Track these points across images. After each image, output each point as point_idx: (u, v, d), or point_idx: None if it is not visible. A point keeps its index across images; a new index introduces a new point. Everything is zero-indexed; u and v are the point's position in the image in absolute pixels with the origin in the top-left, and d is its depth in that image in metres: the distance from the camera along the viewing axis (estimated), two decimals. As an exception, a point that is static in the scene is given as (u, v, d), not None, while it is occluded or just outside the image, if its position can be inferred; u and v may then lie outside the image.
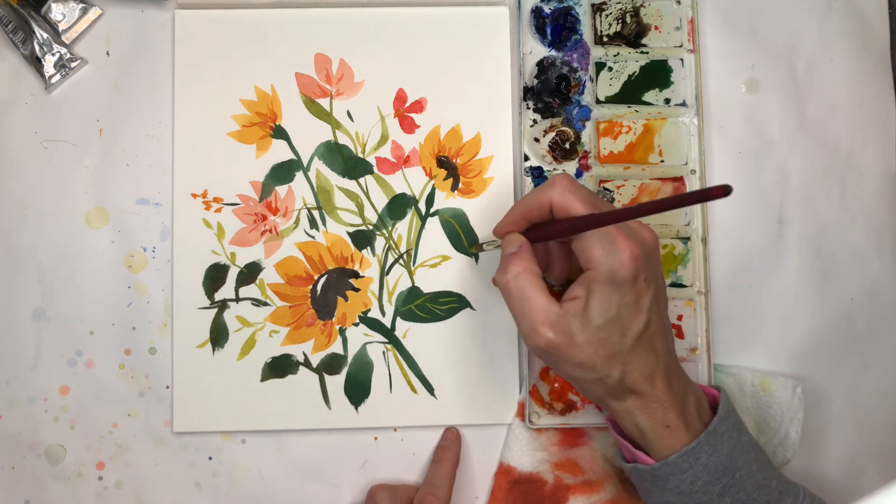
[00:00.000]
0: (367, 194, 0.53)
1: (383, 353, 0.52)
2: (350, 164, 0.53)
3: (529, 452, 0.52)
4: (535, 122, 0.53)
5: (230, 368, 0.51)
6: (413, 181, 0.53)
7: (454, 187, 0.53)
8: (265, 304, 0.52)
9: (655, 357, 0.43)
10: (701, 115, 0.53)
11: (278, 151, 0.53)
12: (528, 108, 0.53)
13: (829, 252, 0.54)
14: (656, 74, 0.54)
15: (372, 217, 0.53)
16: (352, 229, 0.53)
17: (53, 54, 0.52)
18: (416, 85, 0.53)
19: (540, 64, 0.54)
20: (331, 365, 0.52)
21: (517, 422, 0.52)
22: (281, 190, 0.52)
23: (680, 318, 0.53)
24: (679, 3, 0.54)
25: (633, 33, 0.54)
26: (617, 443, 0.47)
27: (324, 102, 0.53)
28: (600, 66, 0.54)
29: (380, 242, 0.53)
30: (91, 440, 0.51)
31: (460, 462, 0.52)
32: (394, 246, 0.53)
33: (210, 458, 0.52)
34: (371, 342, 0.52)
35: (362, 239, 0.53)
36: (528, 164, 0.53)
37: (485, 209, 0.53)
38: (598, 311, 0.41)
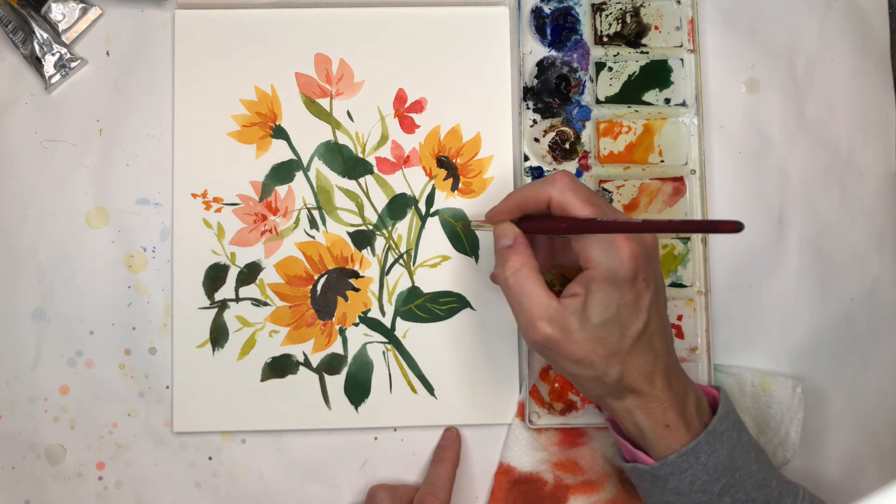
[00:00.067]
0: (367, 194, 0.53)
1: (383, 353, 0.52)
2: (350, 164, 0.53)
3: (529, 452, 0.52)
4: (535, 122, 0.53)
5: (230, 368, 0.51)
6: (413, 181, 0.53)
7: (454, 187, 0.53)
8: (265, 304, 0.52)
9: (655, 357, 0.43)
10: (701, 115, 0.53)
11: (278, 151, 0.53)
12: (528, 108, 0.53)
13: (829, 252, 0.54)
14: (656, 74, 0.54)
15: (372, 217, 0.53)
16: (352, 229, 0.53)
17: (53, 54, 0.52)
18: (416, 85, 0.53)
19: (540, 64, 0.54)
20: (331, 365, 0.52)
21: (517, 422, 0.52)
22: (281, 190, 0.52)
23: (680, 318, 0.53)
24: (679, 3, 0.54)
25: (633, 33, 0.54)
26: (617, 442, 0.47)
27: (324, 102, 0.53)
28: (600, 66, 0.54)
29: (380, 242, 0.53)
30: (91, 440, 0.51)
31: (460, 462, 0.52)
32: (394, 246, 0.53)
33: (210, 458, 0.52)
34: (371, 342, 0.52)
35: (362, 239, 0.53)
36: (528, 164, 0.53)
37: (485, 209, 0.52)
38: (597, 309, 0.41)
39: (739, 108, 0.55)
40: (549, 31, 0.54)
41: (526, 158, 0.53)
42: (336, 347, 0.52)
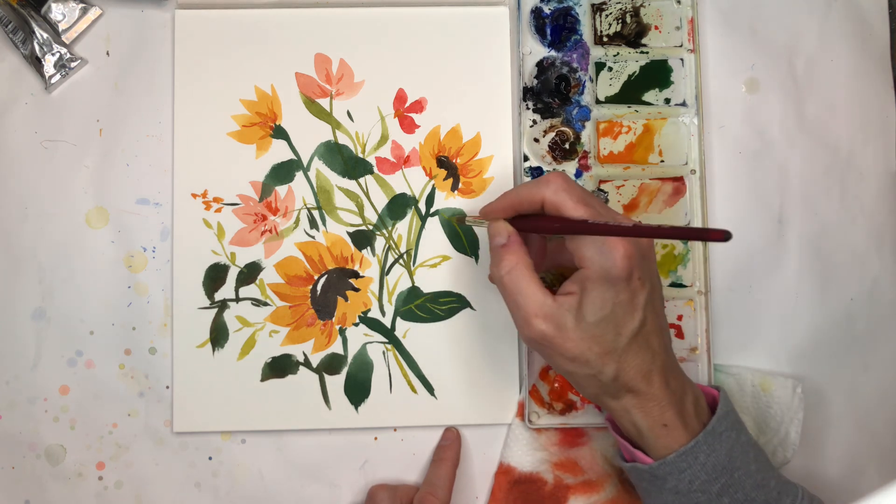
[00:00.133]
0: (367, 194, 0.53)
1: (383, 353, 0.52)
2: (350, 164, 0.53)
3: (529, 452, 0.52)
4: (534, 122, 0.53)
5: (230, 368, 0.51)
6: (413, 181, 0.53)
7: (454, 187, 0.53)
8: (265, 304, 0.52)
9: (652, 355, 0.43)
10: (701, 115, 0.53)
11: (278, 151, 0.53)
12: (528, 108, 0.53)
13: (829, 252, 0.54)
14: (656, 74, 0.54)
15: (372, 217, 0.53)
16: (352, 229, 0.53)
17: (53, 54, 0.52)
18: (416, 85, 0.53)
19: (540, 64, 0.54)
20: (331, 365, 0.52)
21: (517, 422, 0.52)
22: (281, 190, 0.52)
23: (680, 318, 0.53)
24: (679, 2, 0.54)
25: (633, 33, 0.54)
26: (616, 442, 0.47)
27: (324, 102, 0.53)
28: (600, 66, 0.54)
29: (380, 242, 0.53)
30: (91, 440, 0.52)
31: (460, 462, 0.52)
32: (394, 246, 0.53)
33: (210, 458, 0.52)
34: (371, 342, 0.52)
35: (362, 239, 0.53)
36: (527, 164, 0.53)
37: (485, 209, 0.53)
38: (592, 308, 0.42)
39: (739, 108, 0.55)
40: (548, 31, 0.54)
41: (526, 158, 0.53)
42: (336, 347, 0.52)
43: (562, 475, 0.52)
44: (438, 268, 0.53)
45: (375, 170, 0.53)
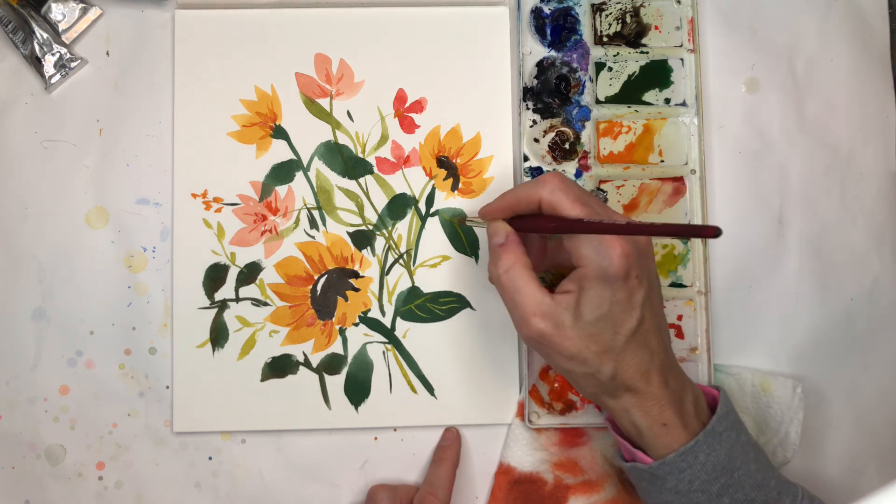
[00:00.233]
0: (367, 194, 0.53)
1: (383, 353, 0.52)
2: (350, 164, 0.53)
3: (529, 452, 0.52)
4: (534, 122, 0.53)
5: (230, 368, 0.51)
6: (413, 181, 0.53)
7: (454, 187, 0.53)
8: (265, 304, 0.52)
9: (650, 354, 0.43)
10: (701, 115, 0.53)
11: (278, 151, 0.53)
12: (528, 108, 0.53)
13: (829, 252, 0.54)
14: (656, 74, 0.54)
15: (372, 217, 0.53)
16: (352, 229, 0.53)
17: (53, 54, 0.52)
18: (416, 85, 0.53)
19: (540, 64, 0.54)
20: (331, 365, 0.52)
21: (517, 422, 0.52)
22: (281, 190, 0.52)
23: (680, 318, 0.53)
24: (679, 2, 0.54)
25: (633, 33, 0.54)
26: (616, 442, 0.47)
27: (324, 102, 0.53)
28: (600, 66, 0.54)
29: (380, 242, 0.53)
30: (91, 440, 0.52)
31: (460, 462, 0.52)
32: (394, 246, 0.53)
33: (210, 458, 0.52)
34: (371, 342, 0.52)
35: (362, 239, 0.53)
36: (527, 164, 0.53)
37: (485, 209, 0.53)
38: (590, 307, 0.42)
39: (739, 108, 0.55)
40: (548, 31, 0.54)
41: (526, 159, 0.53)
42: (336, 347, 0.52)
43: (562, 475, 0.52)
44: (438, 268, 0.53)
45: (375, 170, 0.53)
